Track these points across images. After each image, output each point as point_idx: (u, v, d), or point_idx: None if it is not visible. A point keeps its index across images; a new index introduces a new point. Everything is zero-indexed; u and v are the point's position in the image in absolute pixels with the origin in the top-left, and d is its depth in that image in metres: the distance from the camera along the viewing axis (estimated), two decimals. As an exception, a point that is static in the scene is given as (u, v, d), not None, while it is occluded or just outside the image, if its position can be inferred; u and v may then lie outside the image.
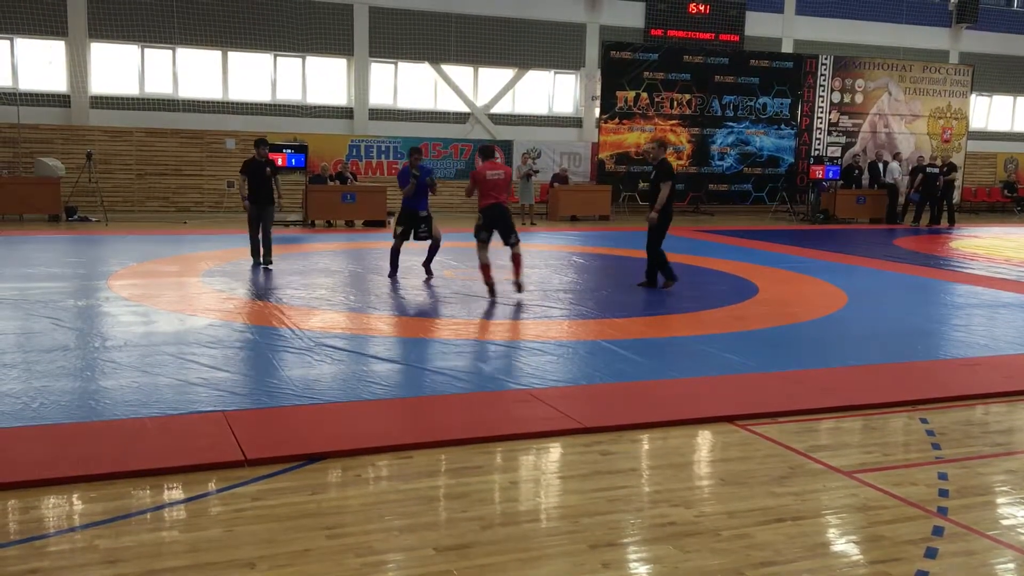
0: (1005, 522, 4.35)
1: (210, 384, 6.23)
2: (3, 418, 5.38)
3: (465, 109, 23.45)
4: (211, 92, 21.34)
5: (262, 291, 10.30)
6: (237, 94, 21.52)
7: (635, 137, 22.69)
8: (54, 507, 4.25)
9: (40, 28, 19.65)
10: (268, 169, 12.09)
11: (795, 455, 5.17)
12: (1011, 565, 3.89)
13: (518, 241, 10.18)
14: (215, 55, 21.24)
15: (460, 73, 23.33)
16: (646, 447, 5.34)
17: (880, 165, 24.01)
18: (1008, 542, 4.10)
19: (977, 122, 28.46)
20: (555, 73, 24.30)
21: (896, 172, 23.29)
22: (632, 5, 24.37)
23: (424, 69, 23.04)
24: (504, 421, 5.62)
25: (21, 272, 11.14)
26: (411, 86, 23.14)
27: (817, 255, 14.99)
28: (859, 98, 24.72)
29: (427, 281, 11.08)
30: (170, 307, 9.11)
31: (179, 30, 20.63)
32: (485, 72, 23.55)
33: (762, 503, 4.45)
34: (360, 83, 22.32)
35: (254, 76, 21.74)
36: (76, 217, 18.41)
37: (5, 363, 6.66)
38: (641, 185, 22.17)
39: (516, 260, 10.13)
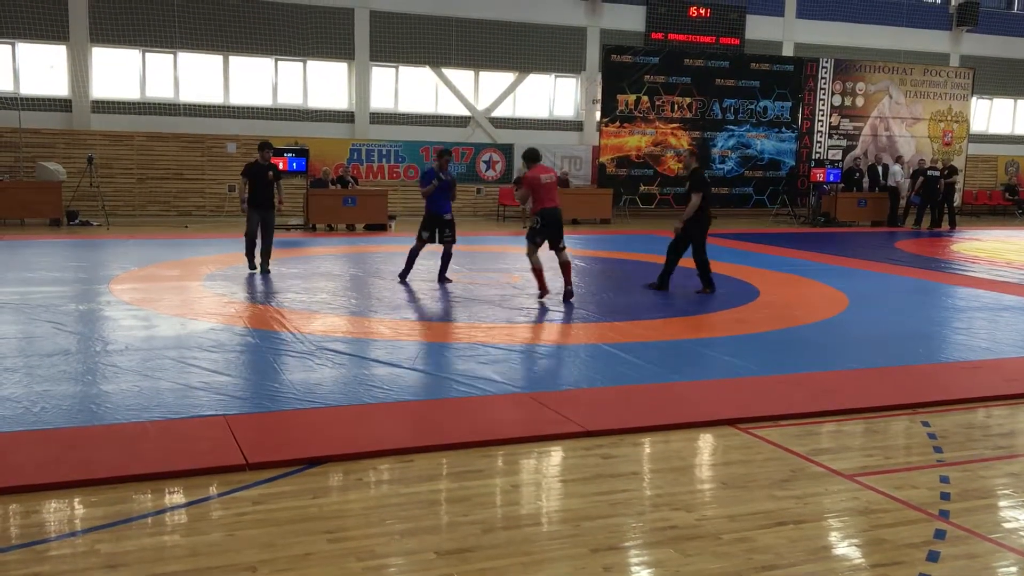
0: (1007, 525, 4.34)
1: (211, 388, 6.23)
2: (4, 422, 5.38)
3: (466, 113, 23.47)
4: (212, 96, 21.36)
5: (263, 295, 10.31)
6: (238, 98, 21.54)
7: (636, 140, 22.70)
8: (55, 511, 4.25)
9: (42, 32, 19.69)
10: (271, 173, 11.91)
11: (796, 458, 5.16)
12: (1013, 568, 3.89)
13: (565, 247, 10.30)
14: (216, 59, 21.27)
15: (461, 77, 23.36)
16: (647, 450, 5.34)
17: (880, 168, 24.03)
18: (1010, 545, 4.09)
19: (978, 125, 28.45)
20: (556, 77, 24.31)
21: (898, 175, 23.30)
22: (633, 9, 24.40)
23: (425, 73, 23.07)
24: (505, 424, 5.61)
25: (22, 276, 11.15)
26: (412, 90, 23.16)
27: (818, 258, 14.98)
28: (860, 101, 24.73)
29: (443, 286, 11.03)
30: (171, 311, 9.11)
31: (180, 34, 20.67)
32: (486, 76, 23.58)
33: (763, 506, 4.44)
34: (361, 87, 22.35)
35: (255, 80, 21.76)
36: (77, 221, 18.42)
37: (7, 367, 6.66)
38: (642, 187, 22.15)
39: (566, 268, 10.22)
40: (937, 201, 21.97)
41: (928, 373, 7.32)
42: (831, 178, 22.93)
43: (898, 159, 24.25)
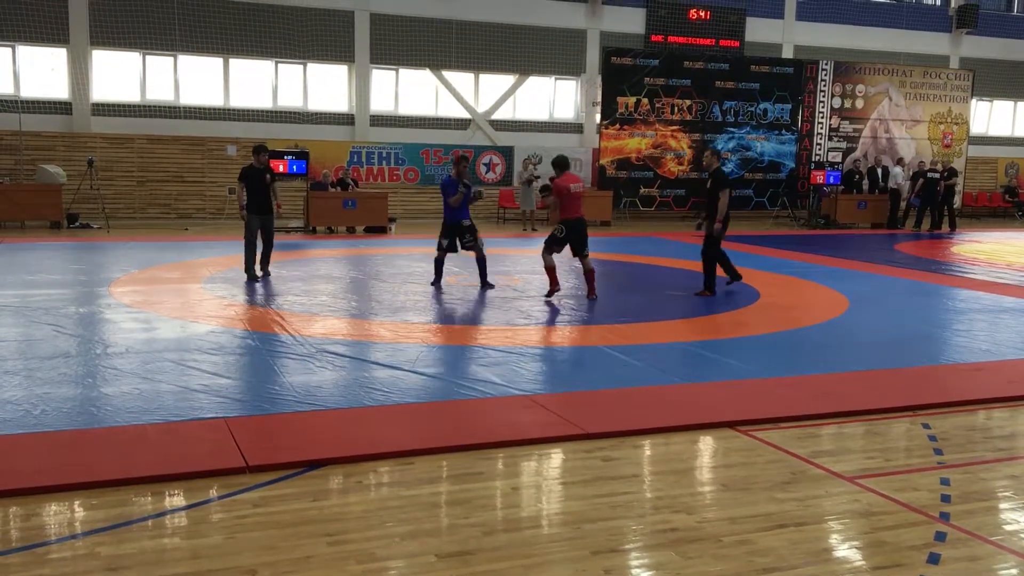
0: (1008, 527, 4.34)
1: (211, 391, 6.23)
2: (5, 425, 5.38)
3: (466, 115, 23.48)
4: (212, 99, 21.37)
5: (263, 297, 10.31)
6: (238, 101, 21.56)
7: (636, 143, 22.70)
8: (56, 514, 4.25)
9: (42, 35, 19.70)
10: (268, 176, 11.76)
11: (797, 460, 5.16)
12: (1014, 571, 3.88)
13: (588, 254, 10.41)
14: (216, 62, 21.29)
15: (461, 79, 23.37)
16: (648, 453, 5.34)
17: (880, 170, 24.03)
18: (1011, 547, 4.09)
19: (978, 127, 28.47)
20: (556, 79, 24.33)
21: (899, 177, 23.30)
22: (633, 11, 24.42)
23: (425, 75, 23.08)
24: (506, 427, 5.61)
25: (23, 279, 11.15)
26: (412, 92, 23.18)
27: (818, 260, 14.98)
28: (860, 103, 24.74)
29: (484, 290, 10.98)
30: (171, 314, 9.11)
31: (180, 37, 20.68)
32: (486, 78, 23.59)
33: (764, 509, 4.44)
34: (361, 89, 22.36)
35: (255, 83, 21.78)
36: (78, 224, 18.43)
37: (7, 370, 6.66)
38: (648, 192, 22.14)
39: (590, 275, 10.42)
40: (937, 203, 21.98)
41: (928, 375, 7.32)
42: (831, 180, 22.94)
43: (899, 161, 24.26)
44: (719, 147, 23.27)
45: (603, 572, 3.74)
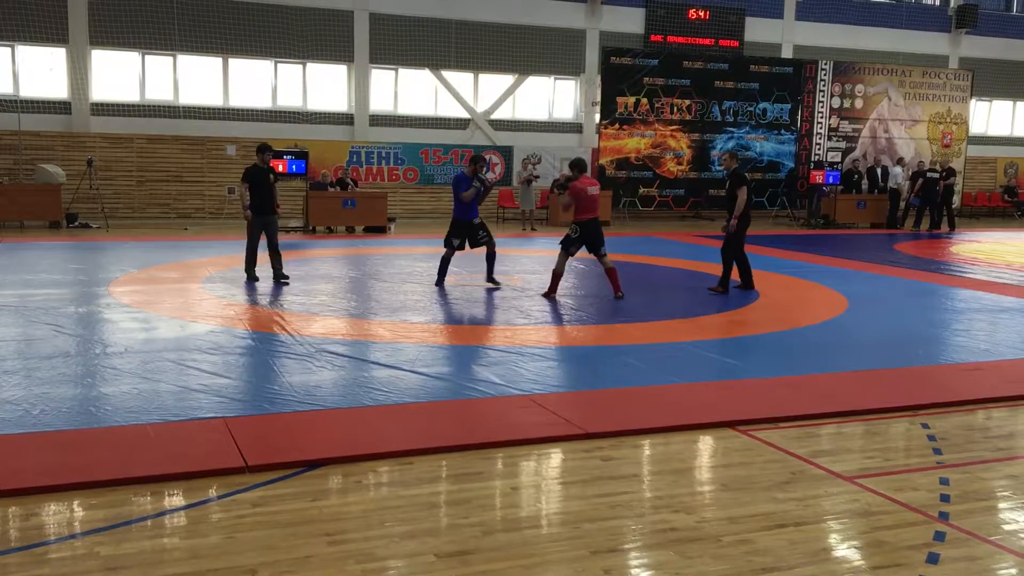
0: (1007, 527, 4.34)
1: (211, 390, 6.23)
2: (4, 425, 5.38)
3: (465, 115, 23.49)
4: (212, 99, 21.38)
5: (263, 297, 10.31)
6: (238, 101, 21.56)
7: (635, 143, 22.71)
8: (55, 514, 4.25)
9: (41, 35, 19.70)
10: (272, 176, 11.66)
11: (796, 460, 5.16)
12: (1013, 570, 3.89)
13: (606, 253, 10.48)
14: (216, 62, 21.29)
15: (460, 79, 23.37)
16: (647, 452, 5.34)
17: (879, 170, 24.04)
18: (1010, 547, 4.09)
19: (977, 127, 28.48)
20: (555, 79, 24.34)
21: (899, 177, 23.31)
22: (632, 11, 24.42)
23: (424, 75, 23.08)
24: (505, 427, 5.61)
25: (22, 279, 11.15)
26: (411, 92, 23.18)
27: (817, 260, 14.99)
28: (859, 103, 24.75)
29: (492, 290, 10.99)
30: (171, 313, 9.11)
31: (180, 37, 20.68)
32: (485, 78, 23.59)
33: (764, 508, 4.44)
34: (360, 89, 22.36)
35: (255, 83, 21.78)
36: (77, 224, 18.43)
37: (6, 370, 6.66)
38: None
39: (612, 273, 10.50)
40: (936, 203, 21.99)
41: (928, 375, 7.32)
42: (830, 180, 22.95)
43: (899, 161, 24.27)
44: (719, 147, 23.31)
45: (602, 572, 3.74)
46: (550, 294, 10.44)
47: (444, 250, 11.24)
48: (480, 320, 9.50)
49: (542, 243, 17.14)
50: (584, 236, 10.34)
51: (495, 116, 23.79)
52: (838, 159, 24.21)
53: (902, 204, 23.01)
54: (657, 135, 22.89)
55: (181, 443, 5.15)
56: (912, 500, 4.60)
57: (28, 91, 20.06)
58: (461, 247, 11.08)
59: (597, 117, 23.08)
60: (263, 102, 21.80)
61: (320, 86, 22.38)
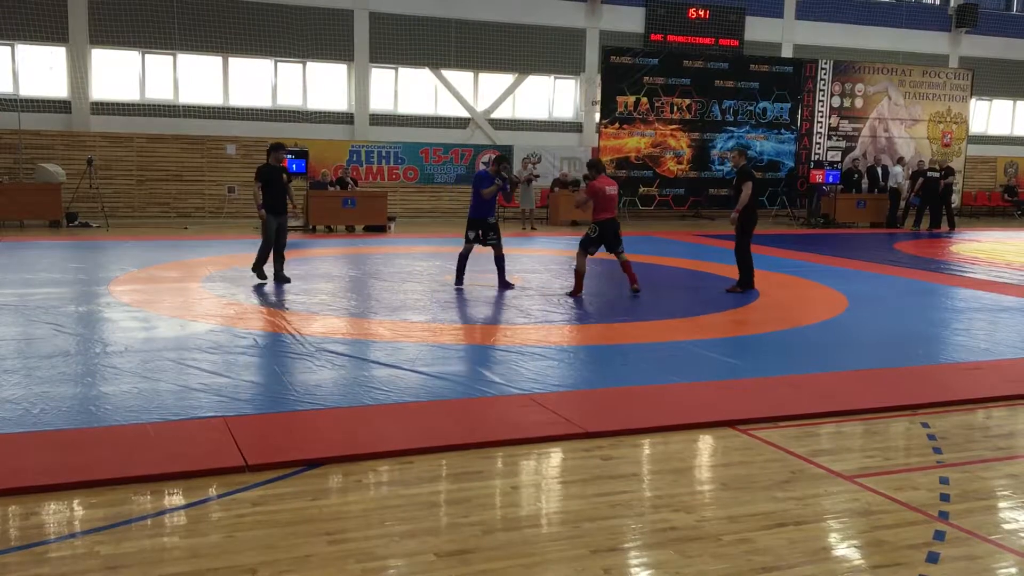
0: (1007, 526, 4.34)
1: (211, 390, 6.22)
2: (4, 424, 5.38)
3: (465, 114, 23.49)
4: (212, 98, 21.38)
5: (263, 297, 10.30)
6: (238, 100, 21.56)
7: (635, 142, 22.71)
8: (55, 513, 4.25)
9: (41, 34, 19.70)
10: (285, 176, 11.48)
11: (796, 460, 5.16)
12: (1013, 570, 3.88)
13: (623, 251, 10.70)
14: (216, 61, 21.29)
15: (460, 78, 23.37)
16: (647, 452, 5.34)
17: (879, 169, 24.04)
18: (1010, 546, 4.09)
19: (977, 126, 28.48)
20: (555, 78, 24.33)
21: (899, 176, 23.31)
22: (632, 10, 24.42)
23: (424, 74, 23.08)
24: (505, 426, 5.61)
25: (22, 278, 11.15)
26: (411, 91, 23.18)
27: (817, 259, 14.98)
28: (859, 102, 24.75)
29: (502, 291, 10.94)
30: (171, 313, 9.11)
31: (180, 36, 20.68)
32: (485, 77, 23.59)
33: (763, 508, 4.44)
34: (360, 88, 22.37)
35: (255, 82, 21.79)
36: (77, 223, 18.43)
37: (6, 369, 6.66)
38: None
39: (627, 267, 10.71)
40: (936, 202, 21.98)
41: (928, 374, 7.32)
42: (830, 179, 22.95)
43: (899, 160, 24.27)
44: (719, 146, 23.33)
45: (602, 571, 3.74)
46: (576, 293, 10.56)
47: (459, 250, 11.17)
48: (480, 319, 9.50)
49: (542, 242, 17.14)
50: (602, 235, 10.53)
51: (495, 115, 23.79)
52: (838, 158, 24.21)
53: (902, 203, 23.01)
54: (657, 134, 22.89)
55: (181, 442, 5.15)
56: (912, 499, 4.60)
57: (28, 90, 20.07)
58: (478, 240, 11.04)
59: (597, 116, 23.09)
60: (263, 101, 21.80)
61: (320, 85, 22.38)
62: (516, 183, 11.29)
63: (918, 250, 17.24)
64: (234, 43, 21.08)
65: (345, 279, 12.01)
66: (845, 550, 4.07)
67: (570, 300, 10.34)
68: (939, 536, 4.15)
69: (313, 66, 22.16)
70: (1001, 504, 4.64)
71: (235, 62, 21.45)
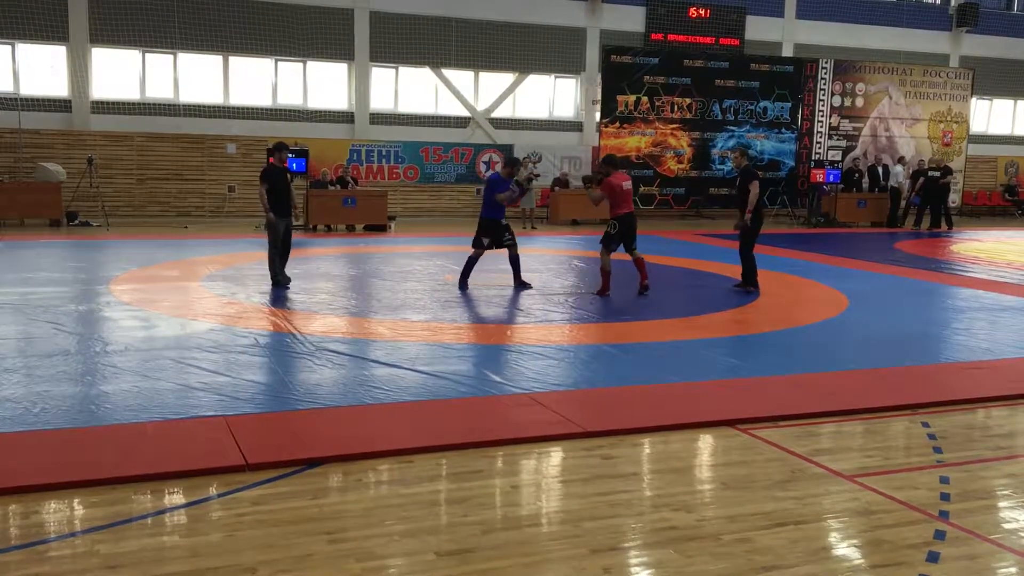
0: (1007, 526, 4.34)
1: (211, 389, 6.23)
2: (4, 423, 5.38)
3: (466, 113, 23.48)
4: (212, 97, 21.37)
5: (263, 296, 10.30)
6: (238, 99, 21.55)
7: (636, 141, 22.70)
8: (55, 512, 4.25)
9: (41, 33, 19.69)
10: (290, 176, 11.40)
11: (796, 459, 5.16)
12: (1013, 569, 3.88)
13: (637, 247, 10.73)
14: (216, 60, 21.28)
15: (461, 77, 23.37)
16: (647, 451, 5.34)
17: (880, 169, 24.03)
18: (1010, 546, 4.09)
19: (978, 126, 28.47)
20: (555, 77, 24.33)
21: (900, 176, 23.30)
22: (632, 9, 24.41)
23: (425, 73, 23.07)
24: (505, 425, 5.61)
25: (22, 277, 11.15)
26: (412, 90, 23.17)
27: (818, 259, 14.98)
28: (860, 102, 24.74)
29: (518, 290, 10.92)
30: (171, 312, 9.11)
31: (180, 35, 20.68)
32: (486, 76, 23.59)
33: (763, 507, 4.44)
34: (361, 88, 22.36)
35: (255, 81, 21.78)
36: (77, 222, 18.43)
37: (6, 368, 6.66)
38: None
39: (640, 264, 10.71)
40: (937, 202, 21.97)
41: (928, 374, 7.32)
42: (831, 179, 22.94)
43: (899, 159, 24.26)
44: (719, 145, 23.32)
45: (602, 570, 3.74)
46: (603, 292, 10.58)
47: (471, 251, 11.12)
48: (481, 318, 9.50)
49: (543, 242, 17.14)
50: (622, 231, 10.55)
51: (495, 114, 23.78)
52: (839, 158, 24.20)
53: (903, 203, 23.00)
54: (657, 133, 22.88)
55: (181, 441, 5.15)
56: (912, 499, 4.60)
57: (28, 89, 20.06)
58: (490, 246, 11.01)
59: (597, 115, 23.08)
60: (263, 100, 21.80)
61: (320, 84, 22.37)
62: (528, 190, 11.24)
63: (919, 250, 17.24)
64: (234, 42, 21.07)
65: (345, 278, 12.01)
66: (845, 549, 4.07)
67: (570, 300, 10.34)
68: (939, 535, 4.15)
69: (313, 65, 22.16)
70: (1001, 504, 4.64)
71: (235, 61, 21.45)
